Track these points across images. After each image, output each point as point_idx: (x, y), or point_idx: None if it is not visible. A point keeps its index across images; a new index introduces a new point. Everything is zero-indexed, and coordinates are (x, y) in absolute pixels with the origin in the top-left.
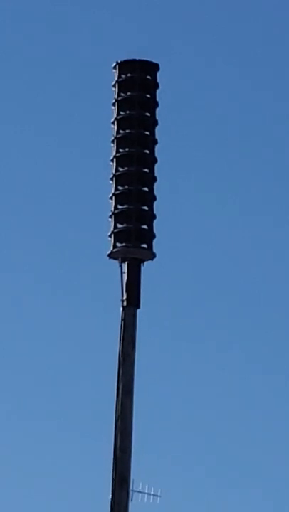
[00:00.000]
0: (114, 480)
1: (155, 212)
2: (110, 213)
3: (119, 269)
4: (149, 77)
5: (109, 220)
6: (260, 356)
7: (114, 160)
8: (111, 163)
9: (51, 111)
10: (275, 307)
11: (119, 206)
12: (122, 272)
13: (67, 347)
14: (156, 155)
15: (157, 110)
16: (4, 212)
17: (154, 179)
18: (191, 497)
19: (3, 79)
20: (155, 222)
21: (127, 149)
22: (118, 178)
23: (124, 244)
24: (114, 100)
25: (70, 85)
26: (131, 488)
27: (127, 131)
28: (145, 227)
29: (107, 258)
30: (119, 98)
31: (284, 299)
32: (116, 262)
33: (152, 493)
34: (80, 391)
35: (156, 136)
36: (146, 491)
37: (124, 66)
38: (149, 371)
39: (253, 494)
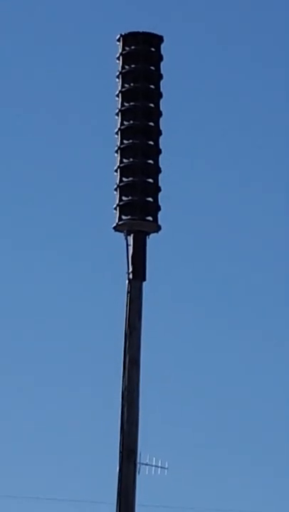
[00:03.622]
0: (121, 452)
1: (160, 184)
2: (115, 186)
3: (125, 241)
4: (153, 49)
5: (114, 192)
6: (268, 328)
7: (119, 132)
8: (116, 135)
9: (55, 83)
10: (281, 278)
11: (124, 179)
12: (127, 245)
13: (73, 320)
14: (161, 127)
15: (162, 82)
16: (11, 187)
17: (159, 151)
18: (198, 469)
19: (7, 50)
20: (160, 195)
21: (131, 122)
22: (123, 151)
23: (129, 216)
24: (118, 73)
25: (74, 58)
26: (138, 460)
27: (132, 103)
28: (150, 199)
29: (113, 231)
30: (124, 71)
31: (287, 270)
32: (121, 235)
33: (160, 465)
34: (88, 364)
35: (161, 109)
36: (153, 464)
37: (128, 39)
38: (155, 343)
39: (261, 466)
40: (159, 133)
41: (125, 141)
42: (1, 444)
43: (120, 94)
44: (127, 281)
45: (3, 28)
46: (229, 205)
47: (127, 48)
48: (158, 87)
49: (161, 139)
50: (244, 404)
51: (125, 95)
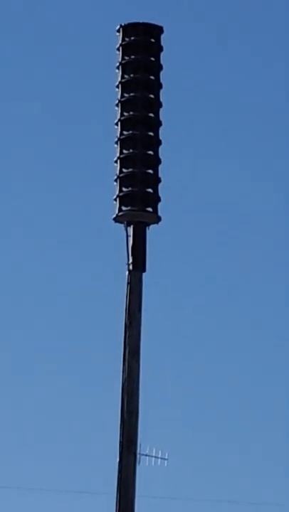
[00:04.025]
0: (121, 443)
1: (160, 175)
2: (115, 177)
3: (125, 232)
4: (153, 40)
5: (114, 183)
6: (267, 319)
7: (119, 123)
8: (116, 126)
9: (55, 75)
10: (281, 269)
11: (124, 170)
12: (127, 236)
13: (73, 311)
14: (161, 118)
15: (161, 73)
16: (11, 178)
17: (159, 142)
18: (199, 460)
19: (10, 35)
20: (160, 186)
21: (131, 113)
22: (123, 142)
23: (129, 207)
24: (118, 64)
25: (74, 49)
26: (138, 451)
27: (132, 94)
28: (150, 190)
29: (113, 222)
30: (124, 61)
31: (286, 262)
32: (121, 226)
33: (160, 456)
34: (88, 354)
35: (161, 100)
36: (153, 454)
37: (128, 29)
38: (155, 333)
39: (262, 457)
40: (159, 124)
41: (125, 132)
42: (1, 435)
43: (120, 85)
44: (127, 272)
45: (2, 22)
46: (229, 196)
47: (126, 39)
48: (158, 77)
49: (161, 130)
50: (244, 395)
51: (125, 86)
